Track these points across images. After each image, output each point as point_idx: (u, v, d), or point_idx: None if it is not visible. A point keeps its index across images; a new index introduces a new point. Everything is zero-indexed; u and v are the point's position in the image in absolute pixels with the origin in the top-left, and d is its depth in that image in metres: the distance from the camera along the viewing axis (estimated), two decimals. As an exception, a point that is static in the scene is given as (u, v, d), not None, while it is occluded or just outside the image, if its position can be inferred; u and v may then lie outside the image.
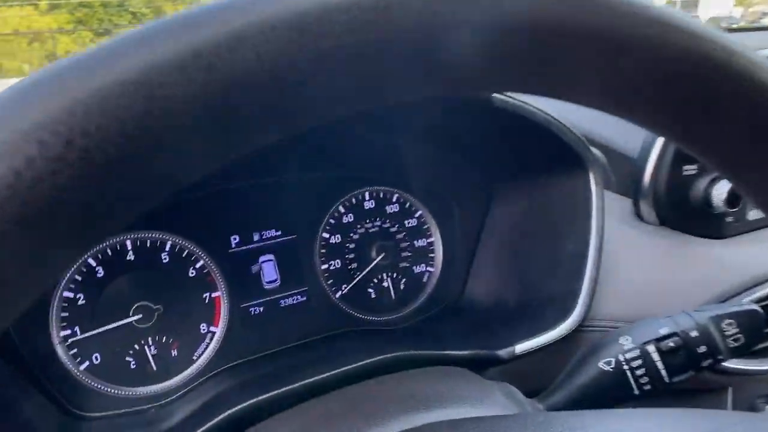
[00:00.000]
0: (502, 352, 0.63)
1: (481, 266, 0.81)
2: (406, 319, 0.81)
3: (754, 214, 0.73)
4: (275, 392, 0.55)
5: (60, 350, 0.65)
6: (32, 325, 0.64)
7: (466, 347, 0.63)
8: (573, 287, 0.64)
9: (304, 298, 0.78)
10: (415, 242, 0.84)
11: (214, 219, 0.73)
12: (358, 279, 0.80)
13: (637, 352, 0.50)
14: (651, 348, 0.50)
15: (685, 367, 0.49)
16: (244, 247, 0.75)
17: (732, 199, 0.66)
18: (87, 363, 0.67)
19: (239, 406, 0.54)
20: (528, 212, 0.74)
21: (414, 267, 0.84)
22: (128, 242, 0.69)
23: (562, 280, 0.66)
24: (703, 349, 0.49)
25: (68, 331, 0.66)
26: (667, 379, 0.49)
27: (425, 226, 0.85)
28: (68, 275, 0.66)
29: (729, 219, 0.71)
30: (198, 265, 0.72)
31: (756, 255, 0.71)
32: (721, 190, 0.67)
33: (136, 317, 0.68)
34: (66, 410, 0.64)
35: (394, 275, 0.82)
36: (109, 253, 0.68)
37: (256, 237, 0.76)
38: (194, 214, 0.72)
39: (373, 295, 0.81)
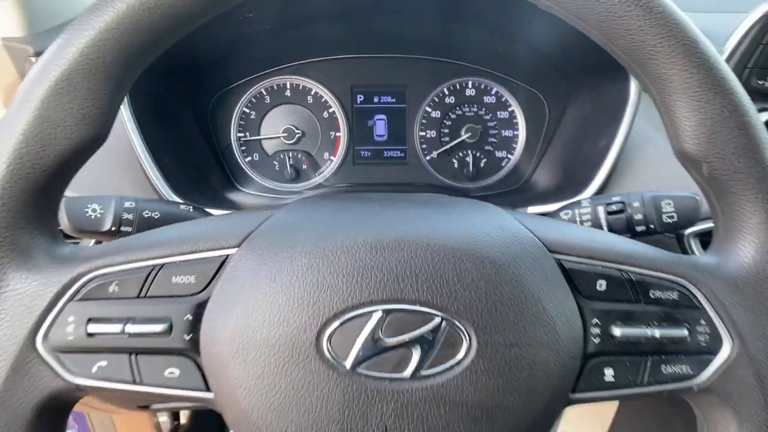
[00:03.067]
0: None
1: (548, 158, 0.96)
2: (476, 191, 1.00)
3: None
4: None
5: (235, 146, 0.99)
6: (221, 128, 0.98)
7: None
8: (594, 174, 0.78)
9: (402, 155, 1.02)
10: (503, 131, 1.01)
11: (348, 79, 0.99)
12: (445, 148, 1.00)
13: (589, 210, 0.64)
14: (600, 208, 0.64)
15: (624, 229, 0.63)
16: (365, 105, 1.00)
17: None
18: (249, 158, 1.00)
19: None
20: (587, 113, 0.86)
21: (496, 151, 1.01)
22: (288, 83, 0.99)
23: (590, 168, 0.79)
24: (639, 216, 0.62)
25: (241, 134, 1.00)
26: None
27: (514, 120, 1.01)
28: (249, 97, 0.98)
29: None
30: (330, 110, 1.00)
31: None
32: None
33: (283, 135, 0.98)
34: (232, 183, 0.98)
35: (477, 154, 1.01)
36: (275, 88, 0.99)
37: (375, 99, 1.00)
38: (336, 73, 0.99)
39: (455, 165, 1.01)
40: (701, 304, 0.45)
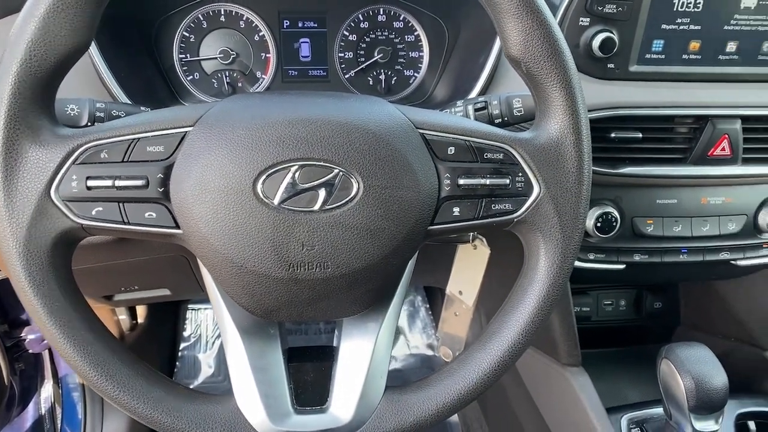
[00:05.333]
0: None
1: (445, 75, 1.15)
2: (388, 103, 1.19)
3: (635, 68, 0.99)
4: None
5: (177, 65, 1.13)
6: (164, 50, 1.11)
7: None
8: (474, 84, 0.98)
9: (324, 74, 1.18)
10: (410, 53, 1.19)
11: (275, 6, 1.13)
12: (361, 67, 1.18)
13: (461, 108, 0.85)
14: (470, 107, 0.84)
15: (486, 122, 0.84)
16: (291, 29, 1.15)
17: (602, 48, 0.93)
18: (191, 77, 1.14)
19: None
20: (473, 36, 1.06)
21: (405, 70, 1.20)
22: (222, 9, 1.12)
23: (472, 80, 1.00)
24: (497, 111, 0.83)
25: (183, 55, 1.13)
26: (473, 125, 0.84)
27: (420, 43, 1.19)
28: (188, 22, 1.11)
29: (610, 65, 0.97)
30: (260, 34, 1.14)
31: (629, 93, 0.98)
32: (597, 40, 0.93)
33: (220, 56, 1.13)
34: (176, 99, 1.13)
35: (389, 73, 1.19)
36: (211, 14, 1.12)
37: (300, 24, 1.16)
38: (265, 2, 1.12)
39: (370, 82, 1.19)
40: (519, 162, 0.67)
